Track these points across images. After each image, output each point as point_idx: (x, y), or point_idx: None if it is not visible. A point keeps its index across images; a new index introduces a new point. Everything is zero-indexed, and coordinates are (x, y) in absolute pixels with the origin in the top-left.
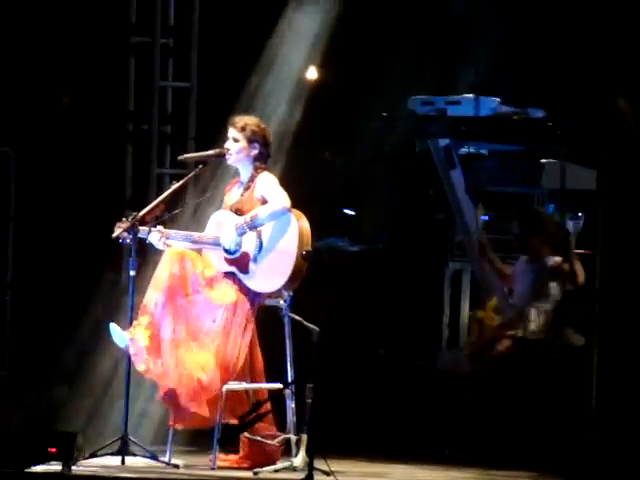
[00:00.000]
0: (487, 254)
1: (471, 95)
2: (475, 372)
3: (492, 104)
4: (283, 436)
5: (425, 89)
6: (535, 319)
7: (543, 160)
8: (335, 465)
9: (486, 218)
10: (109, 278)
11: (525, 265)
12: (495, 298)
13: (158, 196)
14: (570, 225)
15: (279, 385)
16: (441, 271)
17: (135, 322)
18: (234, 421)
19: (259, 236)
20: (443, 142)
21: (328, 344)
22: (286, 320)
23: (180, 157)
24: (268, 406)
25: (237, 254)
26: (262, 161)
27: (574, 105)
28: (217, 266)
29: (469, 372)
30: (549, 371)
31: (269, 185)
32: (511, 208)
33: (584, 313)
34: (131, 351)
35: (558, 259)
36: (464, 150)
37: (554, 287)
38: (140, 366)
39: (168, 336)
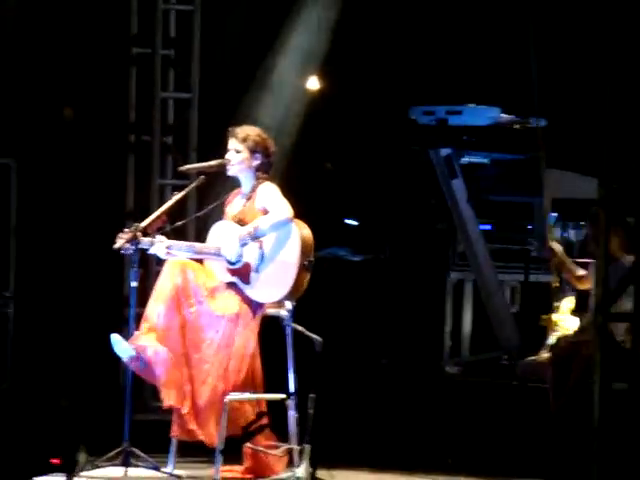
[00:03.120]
0: (561, 258)
1: (472, 104)
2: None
3: (493, 113)
4: (286, 447)
5: (426, 98)
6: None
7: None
8: (338, 475)
9: (489, 227)
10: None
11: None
12: (569, 300)
13: (160, 207)
14: (572, 234)
15: (282, 395)
16: (443, 281)
17: (137, 332)
18: (237, 432)
19: (261, 246)
20: (444, 152)
21: (330, 354)
22: (288, 330)
23: (181, 168)
24: (265, 419)
25: (239, 264)
26: (264, 171)
27: (575, 114)
28: (219, 277)
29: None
30: None
31: (271, 195)
32: (584, 213)
33: None
34: (134, 361)
35: (632, 258)
36: (465, 160)
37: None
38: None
39: (177, 350)
